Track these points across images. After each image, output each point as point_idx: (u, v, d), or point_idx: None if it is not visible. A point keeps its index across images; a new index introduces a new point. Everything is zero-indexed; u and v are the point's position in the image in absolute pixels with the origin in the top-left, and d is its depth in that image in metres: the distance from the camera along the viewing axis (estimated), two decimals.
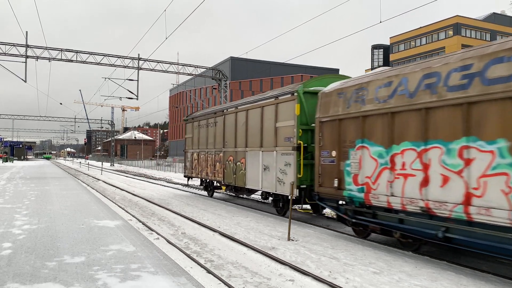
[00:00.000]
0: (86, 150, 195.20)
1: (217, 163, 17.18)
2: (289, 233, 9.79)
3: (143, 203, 16.83)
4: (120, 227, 10.48)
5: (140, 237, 9.25)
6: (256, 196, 18.10)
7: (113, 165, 71.25)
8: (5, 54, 26.78)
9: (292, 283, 6.47)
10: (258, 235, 10.17)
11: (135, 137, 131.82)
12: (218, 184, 18.19)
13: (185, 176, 21.80)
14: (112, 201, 16.85)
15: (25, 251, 7.78)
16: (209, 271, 6.93)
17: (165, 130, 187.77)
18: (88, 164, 73.36)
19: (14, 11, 23.45)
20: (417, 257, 8.22)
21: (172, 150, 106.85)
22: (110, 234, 9.52)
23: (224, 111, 16.77)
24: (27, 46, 27.27)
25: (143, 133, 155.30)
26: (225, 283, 6.32)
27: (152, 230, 10.52)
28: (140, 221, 11.84)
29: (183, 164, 22.60)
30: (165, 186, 26.86)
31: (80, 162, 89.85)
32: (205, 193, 20.39)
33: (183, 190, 23.40)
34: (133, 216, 12.89)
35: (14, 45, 27.08)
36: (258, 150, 13.72)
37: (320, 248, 8.79)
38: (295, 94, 11.81)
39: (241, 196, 18.48)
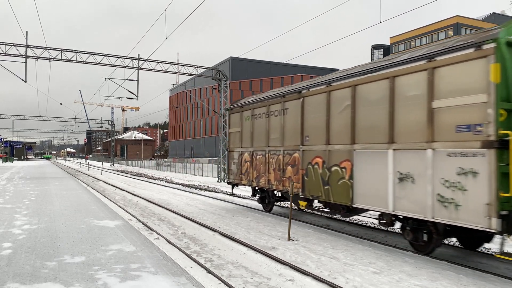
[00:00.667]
0: (86, 150, 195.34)
1: (289, 167, 12.15)
2: (289, 233, 9.79)
3: (143, 203, 16.83)
4: (120, 227, 10.48)
5: (140, 237, 9.26)
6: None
7: (113, 165, 71.26)
8: (5, 54, 26.78)
9: (292, 283, 6.48)
10: (258, 235, 10.18)
11: (135, 137, 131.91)
12: (279, 194, 13.95)
13: (229, 183, 16.39)
14: (112, 201, 16.85)
15: (25, 251, 7.79)
16: (209, 271, 6.94)
17: (165, 130, 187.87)
18: (88, 164, 73.40)
19: (14, 11, 23.47)
20: (417, 257, 8.22)
21: (172, 150, 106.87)
22: (110, 234, 9.52)
23: (303, 92, 11.65)
24: (27, 46, 27.27)
25: (143, 133, 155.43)
26: (225, 283, 6.33)
27: (152, 230, 10.52)
28: (140, 221, 11.85)
29: (227, 167, 17.11)
30: (165, 186, 26.88)
31: (80, 162, 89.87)
32: (254, 203, 16.66)
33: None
34: (133, 216, 12.90)
35: (14, 45, 27.08)
36: (384, 148, 8.64)
37: (320, 248, 8.79)
38: (489, 46, 6.86)
39: (330, 216, 13.03)
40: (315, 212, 13.55)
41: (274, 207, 15.01)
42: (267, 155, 13.42)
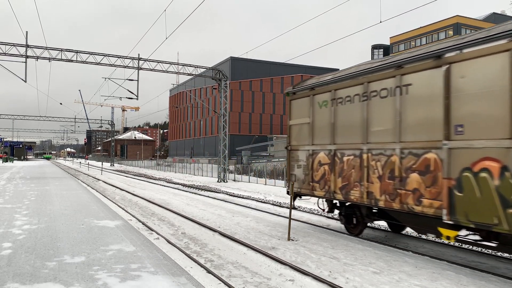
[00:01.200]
0: (86, 150, 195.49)
1: (414, 175, 7.93)
2: (289, 233, 9.79)
3: (143, 203, 16.83)
4: (120, 227, 10.48)
5: (140, 237, 9.26)
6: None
7: (113, 165, 71.28)
8: (5, 54, 26.78)
9: (292, 283, 6.48)
10: (258, 235, 10.18)
11: (135, 137, 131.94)
12: (375, 211, 9.83)
13: (289, 193, 11.23)
14: (112, 201, 16.86)
15: (25, 251, 7.79)
16: (209, 271, 6.94)
17: (165, 130, 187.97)
18: (88, 164, 73.43)
19: (14, 11, 23.47)
20: (417, 257, 8.22)
21: (172, 150, 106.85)
22: (110, 234, 9.52)
23: (446, 55, 7.40)
24: (27, 46, 27.27)
25: (143, 133, 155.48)
26: (225, 283, 6.33)
27: (152, 230, 10.53)
28: (140, 221, 11.85)
29: (286, 171, 12.45)
30: (165, 186, 26.88)
31: (80, 162, 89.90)
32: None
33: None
34: (133, 216, 12.90)
35: (14, 45, 27.08)
36: None
37: (320, 248, 8.79)
38: None
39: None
40: (465, 246, 9.31)
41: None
42: (364, 155, 9.26)
